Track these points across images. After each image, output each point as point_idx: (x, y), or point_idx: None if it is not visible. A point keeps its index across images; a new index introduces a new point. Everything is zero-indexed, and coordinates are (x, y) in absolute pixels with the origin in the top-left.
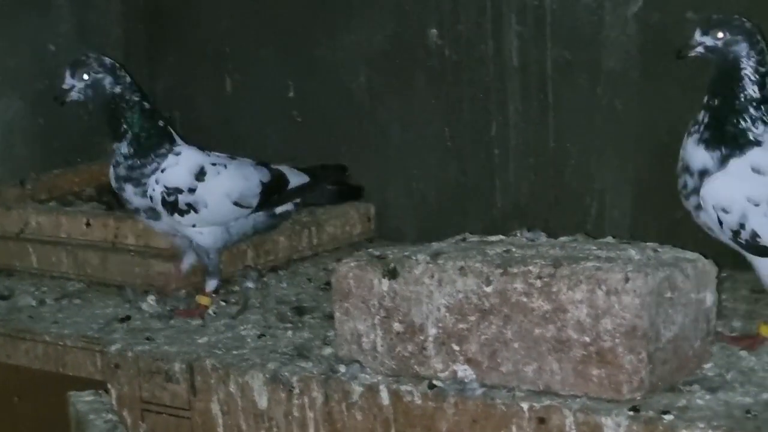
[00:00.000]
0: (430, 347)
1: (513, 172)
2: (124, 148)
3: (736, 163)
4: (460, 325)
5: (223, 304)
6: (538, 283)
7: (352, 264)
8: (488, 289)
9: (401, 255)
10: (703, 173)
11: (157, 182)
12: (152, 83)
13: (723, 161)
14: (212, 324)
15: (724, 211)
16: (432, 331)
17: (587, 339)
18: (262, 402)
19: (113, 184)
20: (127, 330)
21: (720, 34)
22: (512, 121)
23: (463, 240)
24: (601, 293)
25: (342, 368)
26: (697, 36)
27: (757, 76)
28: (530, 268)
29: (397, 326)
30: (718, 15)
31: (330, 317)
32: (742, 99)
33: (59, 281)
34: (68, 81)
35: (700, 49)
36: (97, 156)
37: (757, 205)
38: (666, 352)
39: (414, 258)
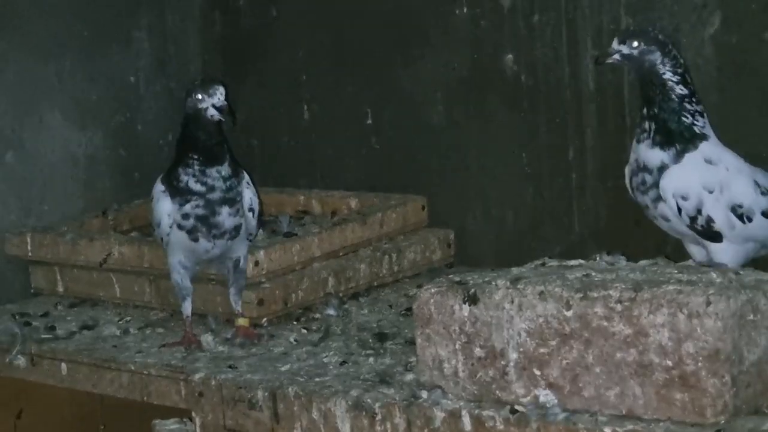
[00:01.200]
0: (512, 372)
1: (591, 196)
2: (225, 170)
3: (691, 156)
4: (541, 350)
5: (305, 331)
6: (619, 307)
7: (432, 290)
8: (568, 314)
9: (481, 280)
10: (662, 168)
11: (253, 194)
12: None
13: (678, 156)
14: (294, 351)
15: (683, 198)
16: (513, 355)
17: (669, 363)
18: (345, 429)
19: (198, 214)
20: (210, 358)
21: (635, 43)
22: (589, 145)
23: (543, 265)
24: (683, 317)
25: (424, 394)
26: (615, 45)
27: (678, 76)
28: (610, 292)
29: (478, 351)
30: (636, 27)
31: (411, 343)
32: (676, 99)
33: (142, 310)
34: (205, 100)
35: (617, 56)
36: None
37: (711, 191)
38: (749, 375)
39: (494, 283)
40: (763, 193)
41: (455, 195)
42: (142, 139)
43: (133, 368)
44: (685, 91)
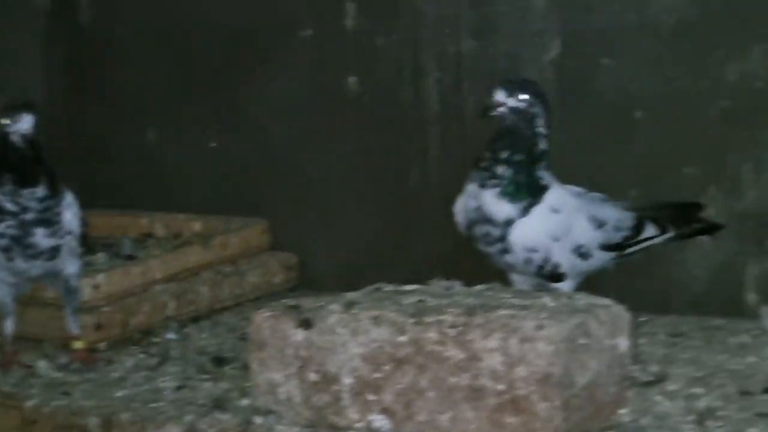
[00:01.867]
0: (346, 397)
1: (434, 221)
2: (41, 191)
3: (538, 209)
4: (375, 375)
5: (143, 356)
6: (452, 332)
7: (267, 314)
8: (402, 339)
9: (316, 305)
10: (509, 222)
11: (74, 215)
12: (73, 134)
13: (526, 210)
14: (131, 376)
15: (533, 251)
16: (347, 380)
17: (502, 387)
18: None
19: (11, 234)
20: (45, 384)
21: (523, 97)
22: (432, 169)
23: (378, 290)
24: (515, 341)
25: (258, 420)
26: (501, 97)
27: (546, 132)
28: (444, 317)
29: (312, 376)
30: (516, 78)
31: (249, 367)
32: (538, 153)
33: None
34: (12, 126)
35: (503, 109)
36: None
37: (557, 240)
38: (581, 398)
39: (328, 308)
40: (598, 227)
41: (299, 218)
42: None
43: None
44: (546, 148)
